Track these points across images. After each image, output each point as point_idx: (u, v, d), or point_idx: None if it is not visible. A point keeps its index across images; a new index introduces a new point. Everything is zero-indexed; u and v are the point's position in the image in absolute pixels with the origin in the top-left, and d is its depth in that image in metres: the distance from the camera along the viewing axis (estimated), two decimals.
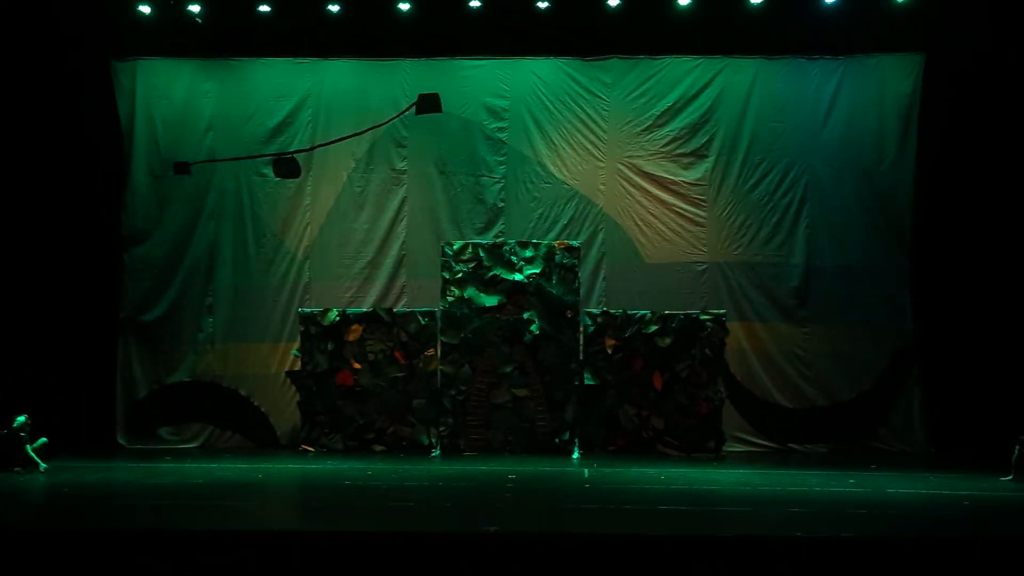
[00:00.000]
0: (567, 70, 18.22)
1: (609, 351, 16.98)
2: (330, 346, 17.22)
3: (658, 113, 18.04)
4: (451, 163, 18.18)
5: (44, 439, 15.14)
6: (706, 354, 16.99)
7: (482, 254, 17.21)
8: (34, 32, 17.22)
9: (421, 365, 17.16)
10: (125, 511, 12.68)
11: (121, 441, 17.57)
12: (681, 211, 17.94)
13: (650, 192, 17.98)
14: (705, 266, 17.87)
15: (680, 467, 15.43)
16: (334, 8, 17.55)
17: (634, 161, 18.05)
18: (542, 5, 17.43)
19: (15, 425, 15.04)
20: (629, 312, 17.14)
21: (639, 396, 16.96)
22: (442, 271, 17.25)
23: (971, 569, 10.11)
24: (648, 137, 18.06)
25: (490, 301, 17.10)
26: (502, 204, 18.15)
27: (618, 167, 18.05)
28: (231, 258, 18.18)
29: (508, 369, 16.97)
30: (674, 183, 17.97)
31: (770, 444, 17.50)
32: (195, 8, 17.52)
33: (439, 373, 17.15)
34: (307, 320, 17.37)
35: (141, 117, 18.22)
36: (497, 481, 14.19)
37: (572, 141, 18.13)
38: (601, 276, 17.98)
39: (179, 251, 18.12)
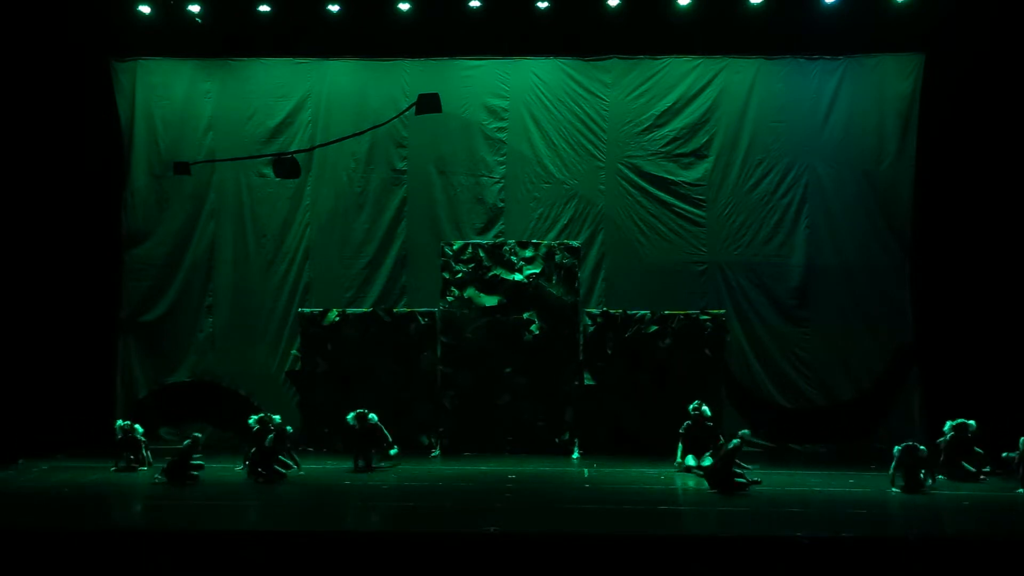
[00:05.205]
0: (567, 70, 18.20)
1: (609, 351, 17.00)
2: (329, 346, 17.23)
3: (658, 113, 18.03)
4: (451, 163, 18.17)
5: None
6: (706, 354, 17.01)
7: (482, 254, 17.21)
8: (34, 32, 17.22)
9: (421, 365, 17.18)
10: (125, 511, 12.70)
11: None
12: (681, 211, 17.92)
13: (650, 192, 17.97)
14: (705, 266, 17.86)
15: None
16: (334, 8, 17.56)
17: (634, 161, 18.04)
18: (542, 5, 17.43)
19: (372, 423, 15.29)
20: (629, 312, 17.14)
21: (638, 396, 16.96)
22: (442, 271, 17.25)
23: (971, 569, 10.13)
24: (648, 137, 18.05)
25: (490, 301, 17.10)
26: (502, 204, 18.14)
27: (618, 167, 18.04)
28: (231, 258, 18.19)
29: (508, 369, 16.98)
30: (674, 183, 17.96)
31: (769, 444, 17.49)
32: (195, 8, 17.53)
33: (439, 373, 17.15)
34: (307, 320, 17.37)
35: (141, 117, 18.23)
36: (497, 481, 14.20)
37: (572, 141, 18.11)
38: (601, 276, 17.98)
39: (179, 251, 18.14)
